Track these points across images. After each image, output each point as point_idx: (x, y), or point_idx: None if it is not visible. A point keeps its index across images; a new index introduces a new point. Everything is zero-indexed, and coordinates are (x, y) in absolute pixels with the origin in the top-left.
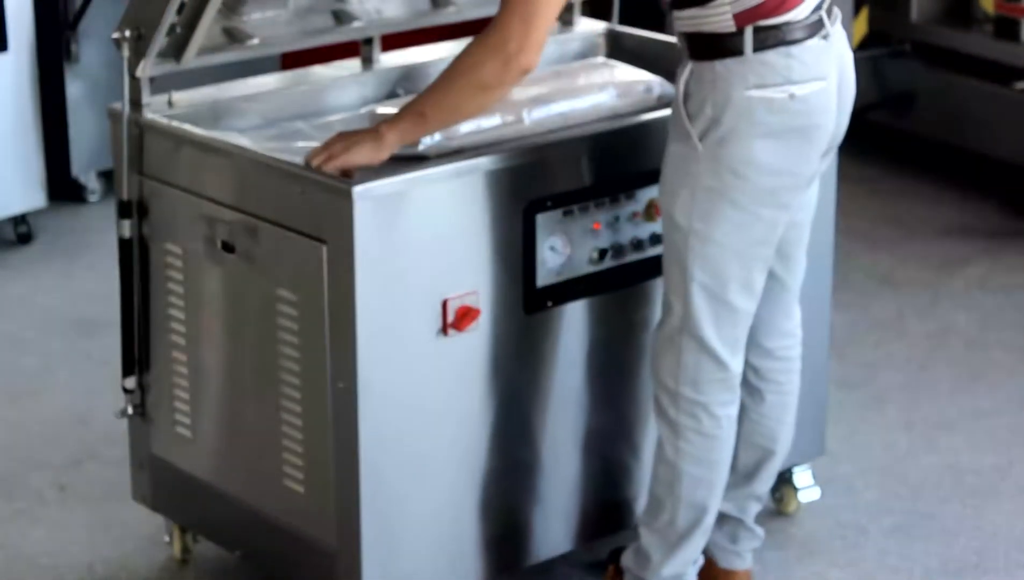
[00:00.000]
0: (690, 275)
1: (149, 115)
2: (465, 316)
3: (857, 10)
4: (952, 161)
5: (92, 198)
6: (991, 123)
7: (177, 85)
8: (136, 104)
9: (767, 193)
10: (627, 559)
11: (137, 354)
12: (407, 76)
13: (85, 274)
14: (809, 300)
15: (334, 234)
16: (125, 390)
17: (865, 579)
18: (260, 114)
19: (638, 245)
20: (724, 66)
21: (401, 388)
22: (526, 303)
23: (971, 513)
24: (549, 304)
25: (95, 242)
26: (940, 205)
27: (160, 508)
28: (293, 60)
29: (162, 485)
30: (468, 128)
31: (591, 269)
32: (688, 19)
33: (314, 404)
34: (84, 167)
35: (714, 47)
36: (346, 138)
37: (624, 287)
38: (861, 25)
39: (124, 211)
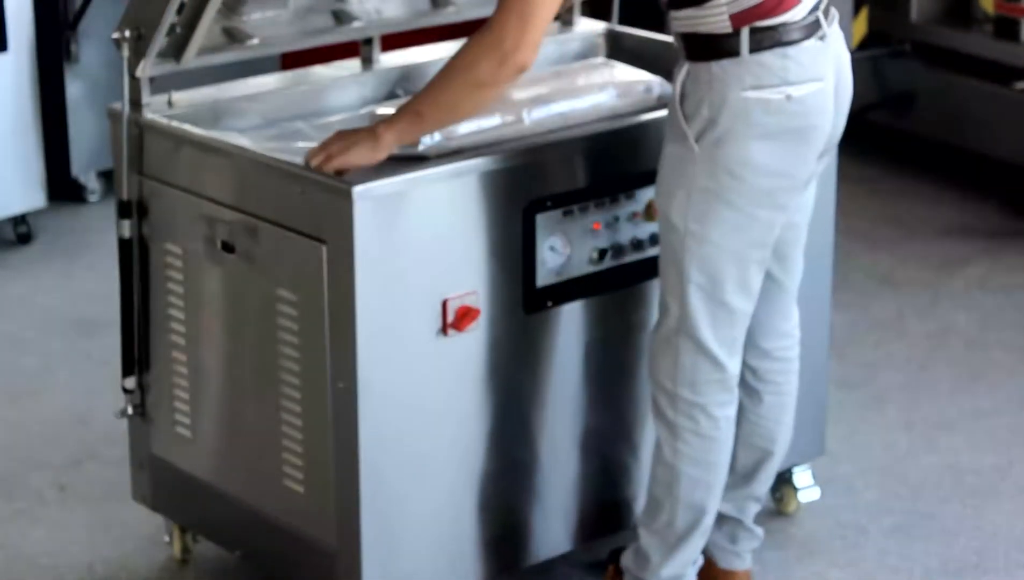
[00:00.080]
0: (687, 276)
1: (149, 115)
2: (465, 316)
3: (857, 10)
4: (952, 161)
5: (92, 198)
6: (991, 123)
7: (177, 85)
8: (136, 104)
9: (763, 194)
10: (627, 560)
11: (137, 354)
12: (407, 76)
13: (85, 274)
14: (809, 300)
15: (334, 234)
16: (125, 390)
17: (865, 579)
18: (260, 114)
19: (638, 245)
20: (720, 67)
21: (401, 388)
22: (526, 303)
23: (971, 513)
24: (549, 304)
25: (95, 242)
26: (940, 205)
27: (160, 508)
28: (293, 60)
29: (162, 485)
30: (468, 128)
31: (591, 269)
32: (684, 19)
33: (314, 404)
34: (84, 167)
35: (710, 48)
36: (344, 138)
37: (624, 287)
38: (861, 25)
39: (124, 211)
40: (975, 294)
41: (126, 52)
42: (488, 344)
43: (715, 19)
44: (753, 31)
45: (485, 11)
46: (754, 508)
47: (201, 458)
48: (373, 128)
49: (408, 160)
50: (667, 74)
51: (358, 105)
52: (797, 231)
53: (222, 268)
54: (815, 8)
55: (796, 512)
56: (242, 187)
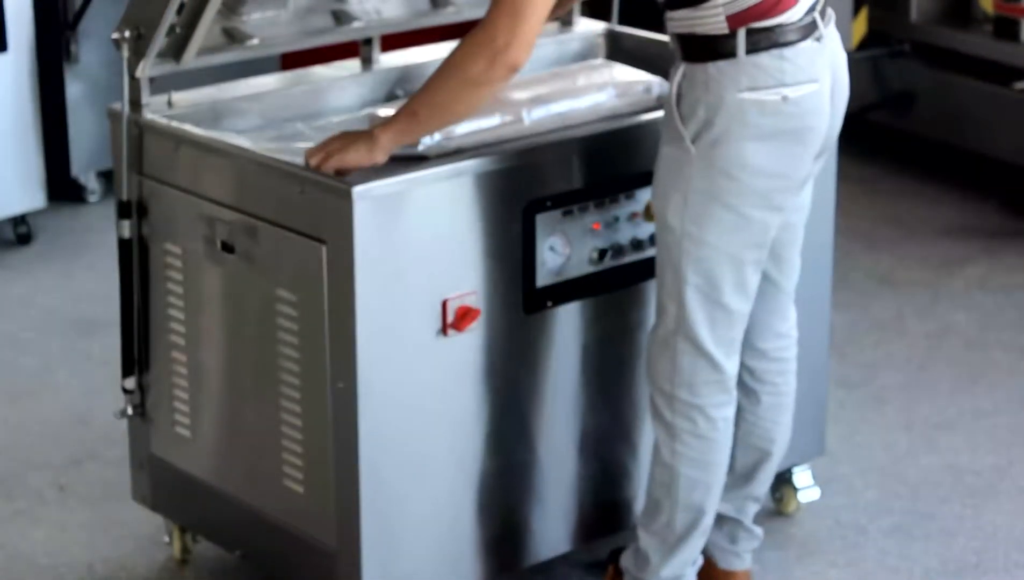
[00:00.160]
0: (684, 278)
1: (149, 115)
2: (465, 316)
3: (857, 10)
4: (952, 161)
5: (92, 198)
6: (991, 123)
7: (177, 85)
8: (136, 104)
9: (760, 195)
10: (626, 560)
11: (137, 354)
12: (407, 77)
13: (85, 274)
14: (808, 300)
15: (334, 234)
16: (125, 390)
17: (865, 579)
18: (260, 114)
19: (638, 245)
20: (717, 68)
21: (401, 388)
22: (526, 303)
23: (971, 513)
24: (549, 304)
25: (95, 242)
26: (940, 205)
27: (160, 508)
28: (293, 60)
29: (162, 485)
30: (467, 128)
31: (591, 269)
32: (681, 20)
33: (314, 404)
34: (84, 167)
35: (707, 49)
36: (343, 138)
37: (624, 287)
38: (861, 25)
39: (124, 211)
40: (975, 294)
41: (126, 52)
42: (488, 344)
43: (711, 20)
44: (750, 32)
45: (485, 11)
46: (753, 508)
47: (201, 458)
48: (370, 130)
49: (408, 160)
50: (666, 74)
51: (358, 105)
52: (794, 232)
53: (222, 268)
54: (811, 9)
55: (796, 512)
56: (242, 187)
